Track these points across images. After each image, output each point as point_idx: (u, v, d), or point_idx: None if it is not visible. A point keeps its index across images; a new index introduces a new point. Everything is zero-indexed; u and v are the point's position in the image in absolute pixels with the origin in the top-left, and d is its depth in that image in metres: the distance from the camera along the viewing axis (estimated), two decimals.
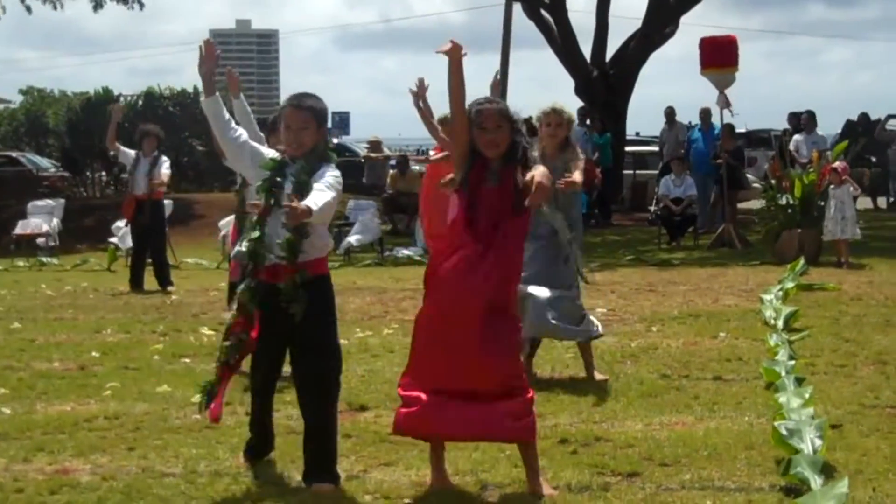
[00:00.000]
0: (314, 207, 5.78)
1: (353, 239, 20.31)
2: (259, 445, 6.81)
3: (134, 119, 30.34)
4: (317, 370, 6.42)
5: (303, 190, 6.09)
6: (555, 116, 8.83)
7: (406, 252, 19.95)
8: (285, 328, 6.34)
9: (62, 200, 24.70)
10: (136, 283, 15.70)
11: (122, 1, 30.04)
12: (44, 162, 33.29)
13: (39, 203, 24.56)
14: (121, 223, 20.64)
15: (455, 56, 6.00)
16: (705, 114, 23.23)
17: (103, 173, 31.99)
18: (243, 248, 6.29)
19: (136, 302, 14.35)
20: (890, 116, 24.44)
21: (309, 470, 6.33)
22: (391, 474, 6.51)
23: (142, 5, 30.47)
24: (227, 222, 20.44)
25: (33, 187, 29.42)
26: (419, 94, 8.05)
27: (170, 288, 15.49)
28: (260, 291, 6.28)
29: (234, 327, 6.41)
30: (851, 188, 16.99)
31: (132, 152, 15.63)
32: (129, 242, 19.98)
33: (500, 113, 6.12)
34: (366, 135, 35.31)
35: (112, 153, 16.18)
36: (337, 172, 6.28)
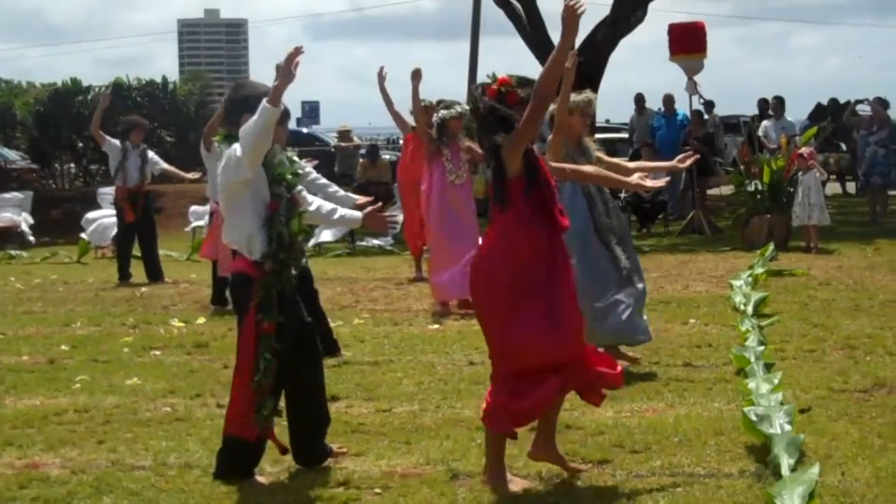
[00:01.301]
0: None
1: (328, 234, 19.98)
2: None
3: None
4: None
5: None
6: (589, 107, 8.91)
7: (376, 242, 19.91)
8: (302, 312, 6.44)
9: (30, 193, 24.58)
10: (125, 275, 15.52)
11: None
12: (12, 154, 33.10)
13: (7, 196, 24.43)
14: (91, 215, 20.54)
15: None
16: (669, 100, 23.31)
17: (72, 165, 31.83)
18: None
19: (106, 295, 14.29)
20: (857, 101, 24.52)
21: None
22: (361, 464, 6.51)
23: None
24: (197, 212, 20.46)
25: (2, 180, 29.27)
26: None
27: (167, 280, 15.38)
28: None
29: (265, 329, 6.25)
30: (818, 173, 17.05)
31: (117, 142, 15.39)
32: (107, 237, 19.91)
33: None
34: (336, 124, 35.17)
35: (106, 150, 15.78)
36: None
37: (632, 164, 8.98)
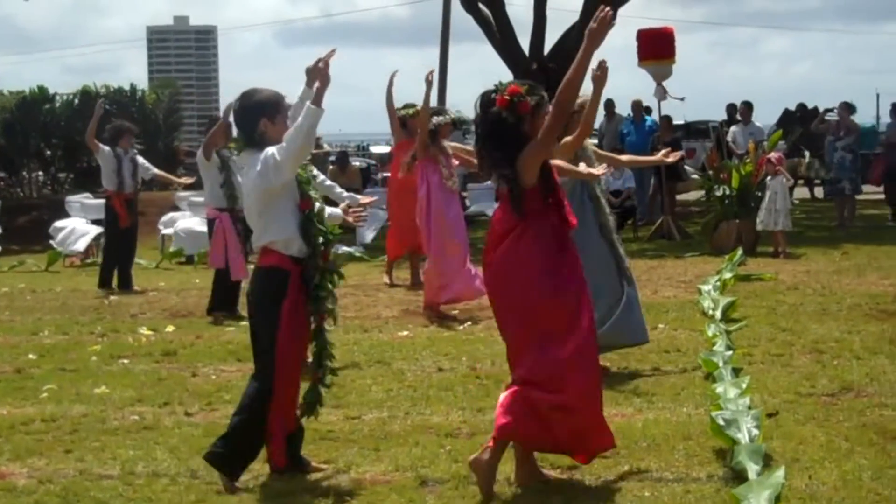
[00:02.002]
0: None
1: None
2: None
3: (70, 118, 30.06)
4: None
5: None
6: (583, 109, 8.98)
7: (346, 249, 19.87)
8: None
9: None
10: (107, 283, 15.37)
11: None
12: None
13: None
14: (60, 224, 20.41)
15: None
16: (637, 106, 23.37)
17: (39, 173, 31.65)
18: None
19: (74, 303, 14.22)
20: (827, 110, 24.62)
21: None
22: (331, 472, 6.50)
23: None
24: (168, 220, 20.39)
25: None
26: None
27: (136, 288, 15.29)
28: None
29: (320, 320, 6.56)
30: (784, 179, 17.13)
31: (109, 150, 15.26)
32: (80, 245, 19.75)
33: None
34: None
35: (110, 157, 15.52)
36: None
37: (624, 158, 9.20)
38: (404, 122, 13.68)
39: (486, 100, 6.18)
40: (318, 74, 6.40)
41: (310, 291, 6.41)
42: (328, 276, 6.48)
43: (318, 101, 6.27)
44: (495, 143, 6.15)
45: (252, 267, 6.77)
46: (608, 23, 5.97)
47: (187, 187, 17.59)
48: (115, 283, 15.25)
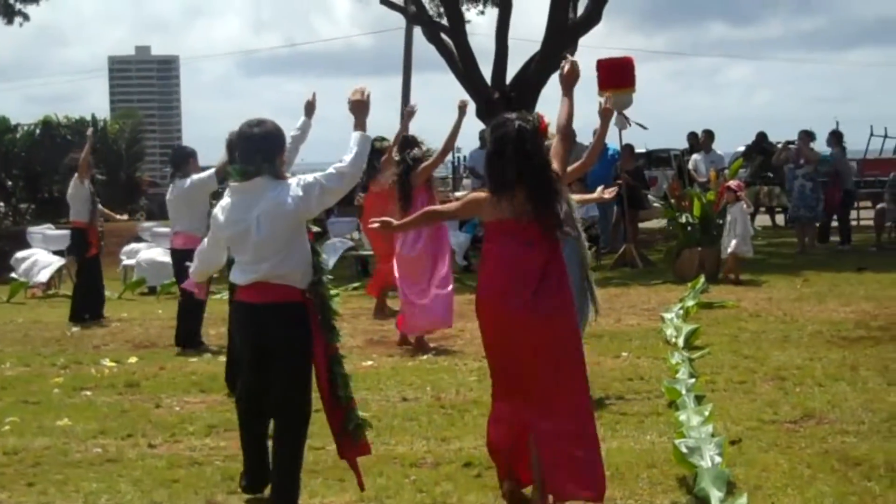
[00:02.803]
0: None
1: None
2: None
3: (31, 148, 29.97)
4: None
5: None
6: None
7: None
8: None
9: None
10: (81, 315, 15.28)
11: (4, 16, 29.21)
12: None
13: None
14: (21, 255, 20.27)
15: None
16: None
17: (1, 204, 31.54)
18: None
19: (36, 334, 14.13)
20: (788, 142, 24.76)
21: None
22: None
23: (26, 18, 29.57)
24: (130, 251, 20.29)
25: None
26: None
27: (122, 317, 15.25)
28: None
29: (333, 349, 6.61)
30: (745, 205, 17.23)
31: (86, 181, 15.24)
32: (43, 276, 19.63)
33: None
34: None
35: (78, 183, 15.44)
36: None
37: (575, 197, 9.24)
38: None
39: (531, 126, 6.25)
40: (359, 105, 6.49)
41: (322, 321, 6.44)
42: (333, 304, 6.55)
43: (364, 127, 6.45)
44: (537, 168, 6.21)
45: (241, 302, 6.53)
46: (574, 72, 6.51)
47: (149, 217, 17.53)
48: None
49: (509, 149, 6.13)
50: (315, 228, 6.63)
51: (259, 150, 6.38)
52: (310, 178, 6.35)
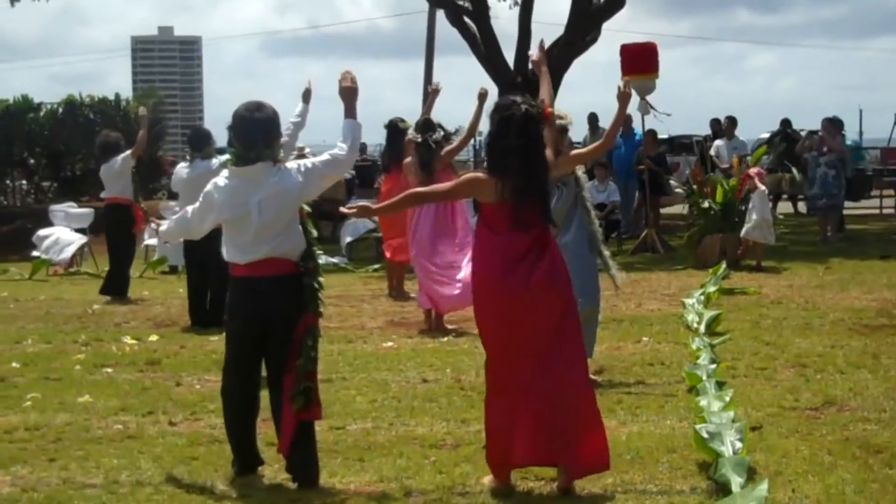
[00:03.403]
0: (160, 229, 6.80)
1: None
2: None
3: (54, 127, 30.01)
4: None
5: None
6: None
7: (331, 260, 19.84)
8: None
9: None
10: (117, 292, 15.42)
11: None
12: None
13: None
14: (43, 232, 20.33)
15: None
16: (626, 120, 23.28)
17: (23, 182, 31.63)
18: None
19: (58, 312, 14.18)
20: (811, 132, 24.65)
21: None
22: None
23: None
24: (153, 230, 20.31)
25: None
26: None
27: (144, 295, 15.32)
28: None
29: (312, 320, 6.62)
30: (764, 191, 17.14)
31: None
32: (66, 254, 19.70)
33: None
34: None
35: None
36: (213, 179, 6.74)
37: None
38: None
39: (537, 113, 6.30)
40: (350, 91, 6.63)
41: (309, 290, 6.54)
42: (320, 276, 6.65)
43: (355, 114, 6.63)
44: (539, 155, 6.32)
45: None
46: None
47: (170, 196, 17.55)
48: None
49: (513, 131, 6.17)
50: (306, 208, 6.76)
51: (260, 135, 6.50)
52: (308, 163, 6.53)
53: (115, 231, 15.55)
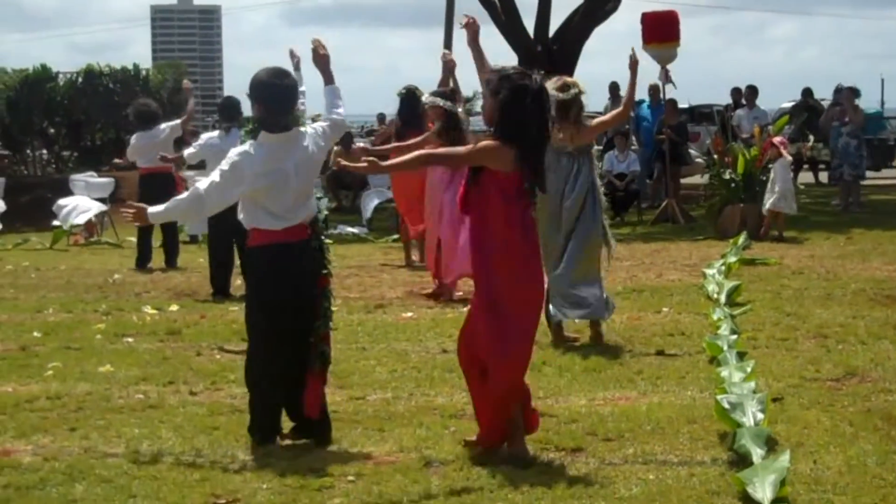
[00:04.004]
0: (151, 211, 6.77)
1: None
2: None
3: (74, 96, 30.03)
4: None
5: None
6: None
7: (351, 230, 19.88)
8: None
9: (2, 180, 24.39)
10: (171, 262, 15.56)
11: None
12: None
13: None
14: (63, 202, 20.39)
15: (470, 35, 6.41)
16: (654, 90, 23.08)
17: (43, 151, 31.67)
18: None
19: (78, 281, 14.23)
20: (834, 103, 24.51)
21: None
22: (335, 452, 6.51)
23: None
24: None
25: None
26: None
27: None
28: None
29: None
30: (788, 159, 17.05)
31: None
32: (80, 219, 19.75)
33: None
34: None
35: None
36: (234, 151, 6.67)
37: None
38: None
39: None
40: (324, 59, 6.89)
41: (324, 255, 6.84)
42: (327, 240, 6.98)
43: (333, 79, 6.97)
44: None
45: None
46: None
47: (191, 167, 17.57)
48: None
49: (529, 101, 6.16)
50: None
51: (291, 102, 6.68)
52: (320, 128, 6.80)
53: (157, 201, 15.44)
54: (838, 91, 23.67)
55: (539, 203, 6.55)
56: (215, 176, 6.56)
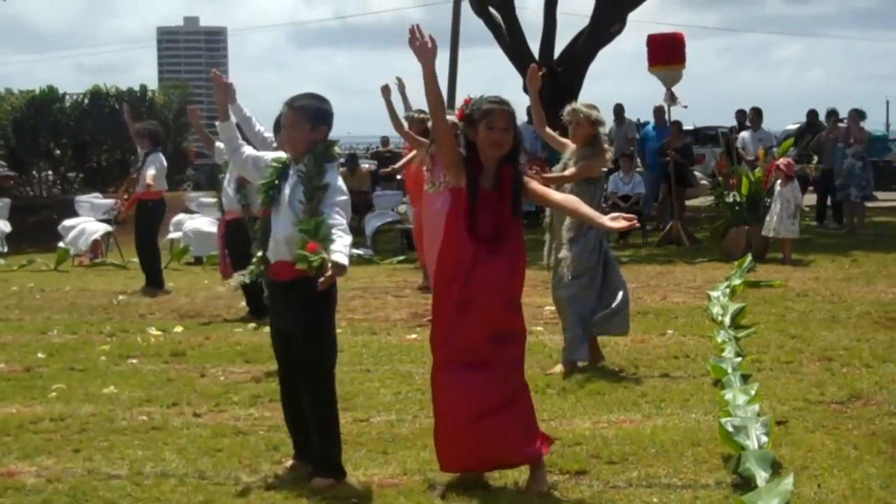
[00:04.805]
0: (345, 262, 5.97)
1: None
2: (298, 445, 6.65)
3: (80, 118, 30.12)
4: (310, 368, 6.41)
5: (314, 195, 6.25)
6: (573, 116, 9.33)
7: (356, 251, 19.87)
8: (280, 324, 6.47)
9: (7, 200, 24.45)
10: (159, 284, 15.45)
11: None
12: None
13: None
14: (69, 223, 20.43)
15: (425, 57, 6.13)
16: (660, 112, 23.12)
17: (49, 172, 31.75)
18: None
19: (83, 302, 14.24)
20: (837, 119, 24.51)
21: (313, 464, 6.40)
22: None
23: None
24: (177, 222, 20.38)
25: None
26: (389, 92, 8.33)
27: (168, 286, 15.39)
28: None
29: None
30: (795, 183, 17.03)
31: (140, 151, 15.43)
32: (81, 244, 19.79)
33: (511, 115, 6.15)
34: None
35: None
36: (341, 182, 6.39)
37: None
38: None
39: None
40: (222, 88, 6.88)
41: None
42: None
43: (220, 116, 6.79)
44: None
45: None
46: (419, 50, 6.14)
47: (196, 188, 17.60)
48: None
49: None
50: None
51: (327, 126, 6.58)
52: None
53: (154, 226, 15.44)
54: (831, 115, 23.68)
55: None
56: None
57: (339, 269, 5.92)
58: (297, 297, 6.26)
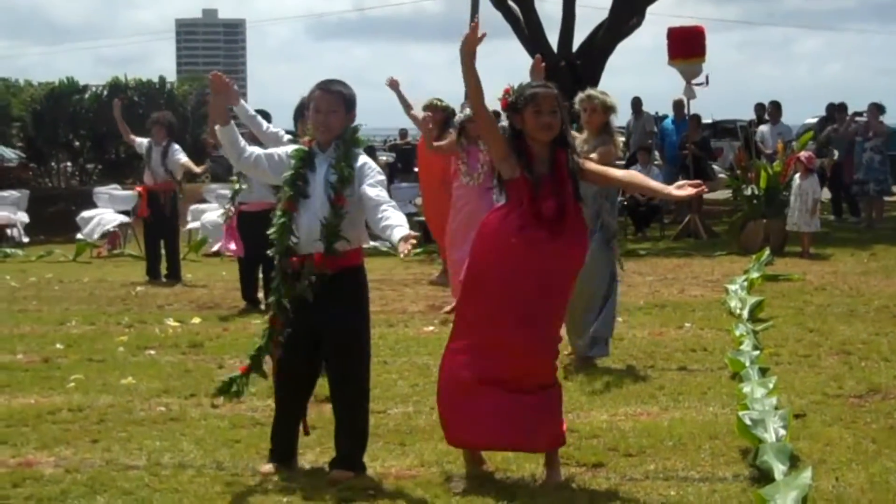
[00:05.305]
0: (409, 232, 5.89)
1: None
2: (281, 451, 6.59)
3: (99, 109, 30.14)
4: (347, 364, 6.34)
5: (346, 182, 6.18)
6: (588, 102, 9.09)
7: (373, 243, 19.83)
8: (315, 320, 6.29)
9: (26, 192, 24.51)
10: (154, 275, 15.51)
11: None
12: (8, 152, 33.04)
13: (3, 194, 24.33)
14: (87, 214, 20.49)
15: (469, 48, 6.08)
16: (679, 105, 23.04)
17: (68, 164, 31.78)
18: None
19: (101, 293, 14.27)
20: (856, 113, 24.45)
21: (335, 459, 6.37)
22: None
23: None
24: (195, 211, 20.43)
25: None
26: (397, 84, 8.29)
27: (187, 278, 15.45)
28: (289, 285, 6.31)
29: (273, 322, 6.48)
30: (816, 178, 16.99)
31: (145, 141, 15.41)
32: (97, 234, 19.86)
33: (556, 97, 6.12)
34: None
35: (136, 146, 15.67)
36: (373, 163, 6.35)
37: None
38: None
39: None
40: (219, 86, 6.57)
41: None
42: None
43: (220, 121, 6.46)
44: None
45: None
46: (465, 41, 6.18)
47: (214, 179, 17.64)
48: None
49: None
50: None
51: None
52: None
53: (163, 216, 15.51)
54: (840, 109, 23.60)
55: None
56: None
57: (408, 237, 5.84)
58: (341, 289, 6.25)
